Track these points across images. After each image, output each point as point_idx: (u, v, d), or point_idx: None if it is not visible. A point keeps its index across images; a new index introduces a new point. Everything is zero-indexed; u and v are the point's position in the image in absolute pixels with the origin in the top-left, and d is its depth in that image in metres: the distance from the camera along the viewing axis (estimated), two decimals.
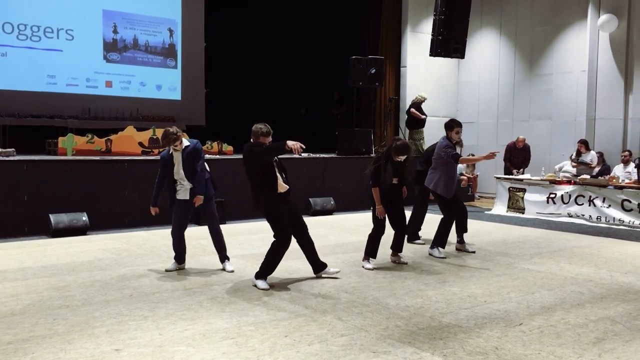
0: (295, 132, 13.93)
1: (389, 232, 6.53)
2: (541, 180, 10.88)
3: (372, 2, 14.32)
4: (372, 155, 12.22)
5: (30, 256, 6.90)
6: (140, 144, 9.93)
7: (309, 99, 14.94)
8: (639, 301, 5.24)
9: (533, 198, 10.81)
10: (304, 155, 11.46)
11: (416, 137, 13.04)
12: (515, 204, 11.09)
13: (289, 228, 5.58)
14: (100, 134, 9.95)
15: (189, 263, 6.40)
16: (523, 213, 10.88)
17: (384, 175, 6.31)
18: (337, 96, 14.63)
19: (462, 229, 7.45)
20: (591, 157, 11.50)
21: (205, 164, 6.20)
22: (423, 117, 12.83)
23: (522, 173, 11.88)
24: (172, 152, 6.04)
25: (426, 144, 11.74)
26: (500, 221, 10.26)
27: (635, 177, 10.25)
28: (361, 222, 9.93)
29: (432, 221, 7.80)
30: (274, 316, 4.69)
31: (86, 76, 12.33)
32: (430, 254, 7.08)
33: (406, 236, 7.02)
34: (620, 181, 10.19)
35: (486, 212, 11.43)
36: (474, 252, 7.36)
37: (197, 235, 7.85)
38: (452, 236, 7.52)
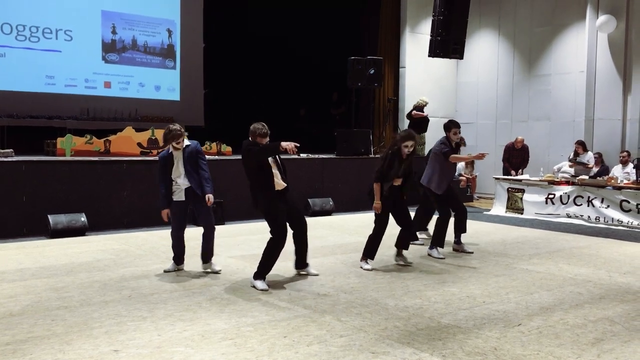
0: (294, 133, 13.93)
1: (388, 232, 6.51)
2: (540, 180, 10.89)
3: (371, 3, 14.33)
4: (371, 155, 12.25)
5: (29, 257, 6.89)
6: (139, 144, 9.93)
7: (308, 100, 14.94)
8: (638, 301, 5.25)
9: (532, 198, 10.81)
10: (303, 155, 11.47)
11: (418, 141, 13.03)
12: (514, 205, 11.09)
13: (285, 227, 5.60)
14: (99, 135, 9.95)
15: (188, 264, 6.40)
16: (522, 213, 10.89)
17: (390, 171, 6.21)
18: (336, 97, 14.63)
19: (460, 229, 7.45)
20: (588, 158, 11.52)
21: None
22: (425, 114, 12.78)
23: (521, 174, 11.89)
24: (171, 151, 5.97)
25: (427, 149, 11.71)
26: (499, 222, 10.27)
27: (633, 177, 10.27)
28: (360, 222, 9.93)
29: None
30: (272, 317, 4.68)
31: (85, 77, 12.32)
32: (429, 255, 7.08)
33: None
34: (618, 182, 10.20)
35: (485, 212, 11.44)
36: (471, 252, 7.36)
37: (196, 236, 7.83)
38: (449, 236, 7.54)
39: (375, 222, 6.40)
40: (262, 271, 5.62)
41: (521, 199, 10.97)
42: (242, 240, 8.05)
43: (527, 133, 13.20)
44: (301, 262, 6.09)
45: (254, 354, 3.90)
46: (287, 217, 5.72)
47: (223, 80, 14.33)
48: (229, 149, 11.00)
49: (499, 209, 11.31)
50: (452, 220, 7.34)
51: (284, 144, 5.34)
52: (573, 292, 5.55)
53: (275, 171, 5.63)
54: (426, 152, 11.39)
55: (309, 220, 10.11)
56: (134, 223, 8.93)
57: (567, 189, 10.39)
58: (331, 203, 11.06)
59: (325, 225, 9.57)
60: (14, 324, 4.48)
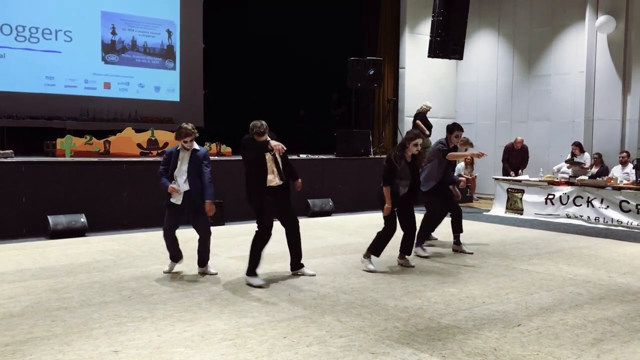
0: (294, 133, 13.96)
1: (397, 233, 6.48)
2: (539, 181, 10.89)
3: (370, 3, 14.34)
4: (370, 156, 12.25)
5: (29, 258, 6.89)
6: (139, 145, 9.93)
7: (307, 100, 14.95)
8: (637, 302, 5.25)
9: (531, 199, 10.81)
10: (303, 156, 11.49)
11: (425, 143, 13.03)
12: (513, 205, 11.09)
13: (270, 221, 5.78)
14: (98, 136, 9.95)
15: (188, 265, 6.40)
16: (521, 214, 10.89)
17: (395, 171, 6.17)
18: (336, 97, 14.64)
19: (457, 229, 7.44)
20: (585, 158, 11.54)
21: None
22: (427, 133, 12.73)
23: (521, 174, 11.89)
24: (179, 149, 5.89)
25: None
26: (499, 222, 10.27)
27: (633, 178, 10.27)
28: (360, 223, 9.94)
29: (445, 224, 7.78)
30: (272, 317, 4.69)
31: (84, 77, 12.33)
32: (415, 253, 7.02)
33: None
34: (618, 182, 10.21)
35: (485, 213, 11.44)
36: (471, 253, 7.36)
37: (196, 237, 7.83)
38: (449, 237, 7.54)
39: (385, 222, 6.30)
40: (252, 267, 5.76)
41: (521, 199, 10.97)
42: (242, 241, 8.04)
43: (526, 133, 13.20)
44: (296, 263, 6.14)
45: (253, 355, 3.90)
46: (279, 214, 5.95)
47: (223, 80, 14.34)
48: (229, 149, 11.00)
49: (498, 209, 11.31)
50: (449, 221, 7.37)
51: (272, 142, 5.63)
52: (573, 292, 5.55)
53: (272, 168, 5.78)
54: None
55: (309, 221, 10.21)
56: (134, 224, 8.93)
57: (566, 189, 10.39)
58: (331, 203, 11.06)
59: (325, 226, 9.57)
60: (14, 324, 4.48)
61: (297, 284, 5.74)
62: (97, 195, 8.80)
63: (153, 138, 10.03)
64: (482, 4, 14.35)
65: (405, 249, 6.55)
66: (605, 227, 9.64)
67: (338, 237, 8.59)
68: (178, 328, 4.41)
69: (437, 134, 13.22)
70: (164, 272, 6.13)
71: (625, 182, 10.29)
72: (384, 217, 6.29)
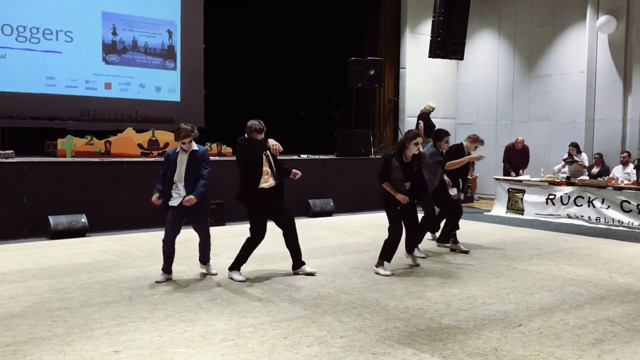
0: (295, 133, 13.97)
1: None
2: (540, 181, 10.89)
3: (371, 4, 14.34)
4: (371, 156, 12.25)
5: (30, 258, 6.89)
6: (140, 145, 9.93)
7: (308, 100, 14.95)
8: (638, 302, 5.25)
9: (532, 199, 10.81)
10: (304, 156, 11.48)
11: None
12: (514, 205, 11.09)
13: (262, 224, 5.86)
14: (99, 136, 9.96)
15: (188, 264, 6.40)
16: (522, 214, 10.89)
17: (392, 171, 6.09)
18: (337, 97, 14.64)
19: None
20: (582, 159, 11.54)
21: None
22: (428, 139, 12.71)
23: (522, 174, 11.89)
24: (178, 151, 5.74)
25: None
26: (500, 222, 10.26)
27: (634, 178, 10.26)
28: (361, 223, 9.94)
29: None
30: (273, 317, 4.69)
31: (85, 78, 12.33)
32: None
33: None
34: (619, 182, 10.20)
35: (485, 213, 11.44)
36: (467, 251, 7.37)
37: (194, 237, 7.83)
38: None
39: (390, 228, 6.21)
40: (236, 264, 5.93)
41: (521, 199, 10.97)
42: (242, 241, 8.02)
43: (527, 134, 13.20)
44: (297, 263, 6.16)
45: (254, 355, 3.90)
46: (275, 216, 5.99)
47: (223, 81, 14.34)
48: (230, 149, 11.00)
49: (499, 209, 11.31)
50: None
51: (270, 142, 5.65)
52: (573, 292, 5.55)
53: (266, 169, 5.80)
54: None
55: (310, 221, 10.21)
56: (135, 224, 8.93)
57: (567, 189, 10.39)
58: (331, 204, 11.06)
59: (326, 226, 9.57)
60: (15, 325, 4.48)
61: (298, 284, 5.74)
62: (97, 195, 8.81)
63: (154, 138, 10.03)
64: (483, 4, 14.35)
65: (410, 245, 6.56)
66: (606, 227, 9.64)
67: (339, 237, 8.59)
68: (179, 328, 4.41)
69: None
70: (156, 282, 5.76)
71: (626, 182, 10.28)
72: (390, 219, 6.19)
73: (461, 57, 12.76)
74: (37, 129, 11.40)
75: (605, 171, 11.25)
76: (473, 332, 4.37)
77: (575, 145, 11.67)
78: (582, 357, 3.91)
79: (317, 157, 11.54)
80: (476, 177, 13.77)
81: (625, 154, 11.30)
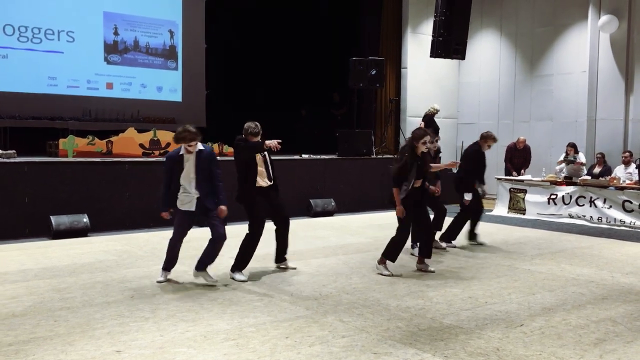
0: (296, 133, 13.97)
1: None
2: (542, 181, 10.88)
3: (372, 3, 14.33)
4: (372, 156, 12.25)
5: (31, 258, 6.90)
6: (141, 145, 9.94)
7: (309, 100, 14.95)
8: None
9: (534, 199, 10.80)
10: (305, 156, 11.48)
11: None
12: (516, 205, 11.08)
13: (261, 222, 5.93)
14: (101, 136, 9.96)
15: (190, 264, 6.40)
16: (524, 214, 10.88)
17: (408, 174, 5.99)
18: (338, 97, 14.64)
19: (435, 227, 7.30)
20: (579, 158, 11.53)
21: None
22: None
23: (524, 174, 11.87)
24: (182, 153, 5.51)
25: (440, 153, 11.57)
26: (501, 222, 10.26)
27: (636, 178, 10.25)
28: (362, 223, 9.94)
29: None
30: (274, 317, 4.69)
31: (87, 78, 12.34)
32: (412, 254, 7.00)
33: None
34: (621, 182, 10.19)
35: (487, 213, 11.41)
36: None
37: (197, 237, 7.84)
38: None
39: (398, 228, 6.14)
40: (238, 264, 5.93)
41: (523, 199, 10.96)
42: None
43: (529, 133, 13.17)
44: (280, 256, 6.39)
45: (256, 355, 3.90)
46: (271, 214, 6.15)
47: (225, 81, 14.35)
48: (231, 149, 10.98)
49: (501, 209, 11.30)
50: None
51: (267, 142, 5.74)
52: (575, 292, 5.54)
53: (261, 169, 5.95)
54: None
55: (311, 221, 10.21)
56: (136, 224, 8.93)
57: (569, 189, 10.38)
58: (333, 204, 11.06)
59: (327, 226, 9.57)
60: (17, 324, 4.49)
61: (299, 284, 5.74)
62: (99, 195, 8.81)
63: (155, 138, 10.03)
64: (484, 4, 14.34)
65: (425, 252, 6.32)
66: (608, 227, 9.63)
67: (340, 237, 8.59)
68: (180, 328, 4.41)
69: (443, 136, 13.29)
70: (158, 282, 5.71)
71: (627, 182, 10.27)
72: (399, 220, 6.14)
73: (463, 57, 12.75)
74: (38, 129, 11.41)
75: (607, 171, 11.23)
76: (475, 332, 4.37)
77: (572, 146, 11.65)
78: (584, 357, 3.91)
79: (318, 157, 11.53)
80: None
81: (627, 153, 11.28)
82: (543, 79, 13.47)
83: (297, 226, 9.30)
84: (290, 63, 14.82)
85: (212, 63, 13.78)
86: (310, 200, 10.84)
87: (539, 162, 12.44)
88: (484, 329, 4.45)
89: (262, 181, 5.98)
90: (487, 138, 7.72)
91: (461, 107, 15.02)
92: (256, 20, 14.31)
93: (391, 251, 6.19)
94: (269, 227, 6.33)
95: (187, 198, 5.52)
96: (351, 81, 12.52)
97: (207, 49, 13.65)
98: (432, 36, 12.42)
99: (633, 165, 10.87)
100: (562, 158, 11.70)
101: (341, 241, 8.22)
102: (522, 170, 12.15)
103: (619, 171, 11.02)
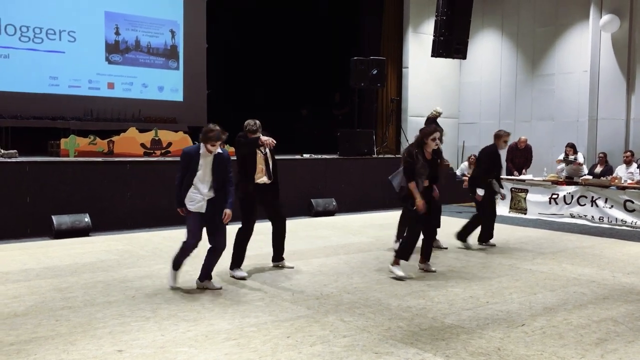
0: (296, 133, 13.97)
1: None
2: (543, 181, 10.87)
3: (373, 3, 14.33)
4: (374, 156, 12.24)
5: (33, 257, 6.91)
6: (143, 145, 9.94)
7: (310, 100, 14.96)
8: None
9: (535, 199, 10.79)
10: (306, 156, 11.48)
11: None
12: (517, 205, 11.08)
13: (253, 218, 6.01)
14: (102, 135, 9.96)
15: (192, 265, 6.39)
16: (525, 214, 10.87)
17: (418, 168, 5.96)
18: (339, 97, 14.63)
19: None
20: (578, 158, 11.53)
21: None
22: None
23: (525, 174, 11.86)
24: (201, 152, 5.31)
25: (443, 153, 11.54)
26: (503, 222, 10.23)
27: (637, 177, 10.24)
28: (363, 223, 9.94)
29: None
30: (276, 317, 4.69)
31: (88, 78, 12.35)
32: (393, 249, 6.96)
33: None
34: (622, 182, 10.17)
35: None
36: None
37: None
38: (446, 237, 7.52)
39: (410, 228, 6.12)
40: (236, 261, 5.99)
41: (525, 199, 10.95)
42: None
43: (530, 133, 13.16)
44: (277, 256, 6.41)
45: (257, 354, 3.90)
46: (268, 212, 6.22)
47: (226, 80, 14.36)
48: (232, 149, 10.97)
49: (502, 209, 11.24)
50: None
51: (263, 138, 5.88)
52: (577, 292, 5.54)
53: (261, 166, 6.03)
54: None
55: (312, 220, 10.21)
56: (138, 223, 8.94)
57: (570, 189, 10.37)
58: (334, 203, 11.06)
59: (328, 226, 9.57)
60: (18, 324, 4.49)
61: (300, 284, 5.74)
62: (100, 195, 8.82)
63: (157, 138, 10.03)
64: (486, 4, 14.33)
65: (426, 254, 6.34)
66: (610, 226, 9.62)
67: (341, 236, 8.59)
68: (182, 328, 4.42)
69: (445, 137, 13.23)
70: (171, 288, 5.52)
71: (629, 181, 10.26)
72: (411, 218, 6.12)
73: (464, 57, 12.75)
74: (40, 129, 11.41)
75: (608, 170, 11.22)
76: (476, 332, 4.37)
77: (571, 146, 11.64)
78: (585, 357, 3.91)
79: (319, 156, 11.54)
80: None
81: (629, 153, 11.27)
82: (544, 78, 13.45)
83: (298, 226, 9.32)
84: (290, 63, 14.82)
85: (213, 63, 13.79)
86: (312, 199, 10.84)
87: (540, 162, 12.43)
88: (485, 328, 4.45)
89: (261, 178, 6.03)
90: (501, 136, 7.73)
91: (462, 107, 15.01)
92: (257, 20, 14.31)
93: (403, 251, 6.08)
94: (268, 227, 6.34)
95: (199, 199, 5.33)
96: (352, 81, 12.52)
97: (208, 49, 13.66)
98: (434, 36, 12.42)
99: (634, 165, 10.86)
100: (560, 158, 11.69)
101: (342, 241, 8.22)
102: (524, 170, 12.14)
103: (621, 171, 11.01)
